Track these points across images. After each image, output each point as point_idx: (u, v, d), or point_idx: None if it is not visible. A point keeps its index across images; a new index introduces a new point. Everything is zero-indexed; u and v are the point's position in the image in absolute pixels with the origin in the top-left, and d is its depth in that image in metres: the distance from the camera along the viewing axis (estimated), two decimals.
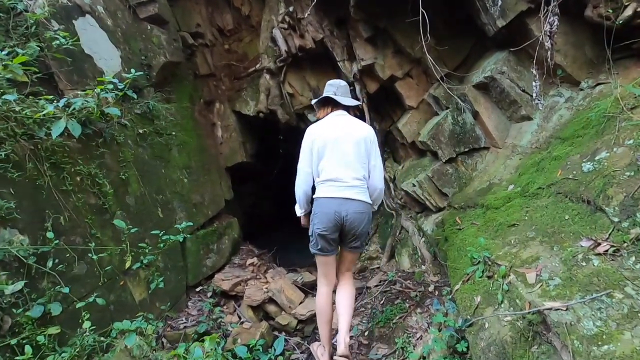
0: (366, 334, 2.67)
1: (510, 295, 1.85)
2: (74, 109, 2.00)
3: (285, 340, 2.69)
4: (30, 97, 2.13)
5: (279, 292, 3.03)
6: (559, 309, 1.51)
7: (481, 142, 3.38)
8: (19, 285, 1.73)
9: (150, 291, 2.51)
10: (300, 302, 3.07)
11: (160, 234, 2.36)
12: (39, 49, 2.16)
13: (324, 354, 2.38)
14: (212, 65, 4.74)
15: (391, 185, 4.26)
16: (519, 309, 1.74)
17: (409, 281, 3.11)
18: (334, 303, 2.50)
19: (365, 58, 3.96)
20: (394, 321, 2.62)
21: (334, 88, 2.48)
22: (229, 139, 4.67)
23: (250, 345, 2.36)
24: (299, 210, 2.55)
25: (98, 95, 2.18)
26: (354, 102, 2.54)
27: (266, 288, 3.13)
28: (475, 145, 3.39)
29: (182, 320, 2.80)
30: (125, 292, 2.47)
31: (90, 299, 1.92)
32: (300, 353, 2.64)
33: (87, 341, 1.77)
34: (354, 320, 2.86)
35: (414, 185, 3.61)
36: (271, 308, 3.04)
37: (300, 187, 2.39)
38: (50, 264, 1.92)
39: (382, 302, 2.98)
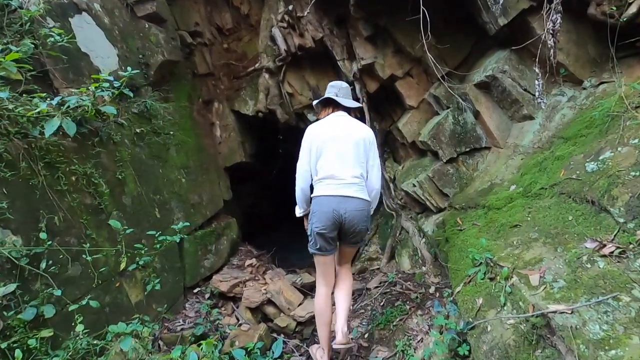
0: (366, 336, 2.63)
1: (513, 298, 1.81)
2: (68, 107, 1.96)
3: (284, 342, 2.65)
4: (24, 95, 2.08)
5: (277, 293, 2.99)
6: (563, 312, 1.48)
7: (482, 142, 3.34)
8: (11, 287, 1.70)
9: (146, 293, 2.47)
10: (300, 304, 3.03)
11: (156, 235, 2.32)
12: (33, 46, 2.12)
13: (323, 357, 2.35)
14: (210, 65, 4.71)
15: (391, 185, 4.22)
16: (522, 311, 1.70)
17: (409, 282, 3.07)
18: (333, 304, 2.48)
19: (365, 57, 3.93)
20: (394, 323, 2.58)
21: (336, 89, 2.48)
22: (228, 138, 4.63)
23: (249, 349, 2.32)
24: (298, 211, 2.54)
25: (94, 94, 2.13)
26: (355, 104, 2.55)
27: (265, 289, 3.09)
28: (477, 145, 3.35)
29: (180, 322, 2.76)
30: (121, 293, 2.43)
31: (84, 302, 1.87)
32: (299, 355, 2.60)
33: (81, 344, 1.73)
34: (354, 322, 2.82)
35: (414, 186, 3.57)
36: (270, 310, 3.00)
37: (299, 186, 2.40)
38: (43, 265, 1.88)
39: (382, 303, 2.94)
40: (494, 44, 3.36)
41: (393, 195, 4.18)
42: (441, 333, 2.12)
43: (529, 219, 2.27)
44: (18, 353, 1.49)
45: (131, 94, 2.56)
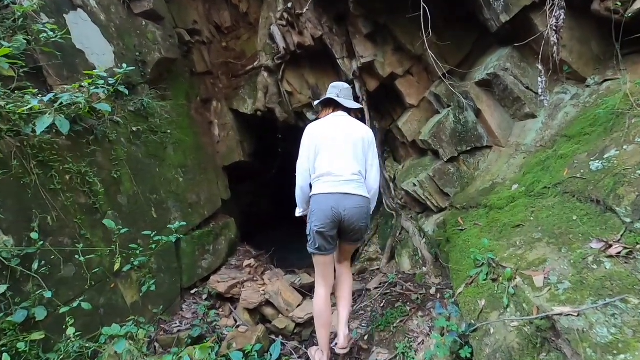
0: (366, 338, 2.58)
1: (516, 299, 1.77)
2: (61, 103, 1.91)
3: (282, 344, 2.60)
4: (16, 92, 2.04)
5: (276, 294, 2.95)
6: (569, 315, 1.43)
7: (483, 141, 3.30)
8: (2, 288, 1.65)
9: (142, 294, 2.42)
10: (298, 305, 2.98)
11: (151, 235, 2.28)
12: (25, 42, 2.07)
13: (323, 359, 2.30)
14: (209, 63, 4.66)
15: (391, 185, 4.18)
16: (526, 313, 1.66)
17: (409, 283, 3.02)
18: (333, 305, 2.45)
19: (365, 55, 3.89)
20: (394, 325, 2.53)
21: (337, 90, 2.48)
22: (227, 137, 4.58)
23: (246, 351, 2.27)
24: (298, 211, 2.51)
25: (89, 90, 2.09)
26: (356, 105, 2.55)
27: (263, 290, 3.05)
28: (478, 144, 3.31)
29: (176, 323, 2.72)
30: (116, 294, 2.38)
31: (75, 304, 1.83)
32: (298, 358, 2.56)
33: (72, 347, 1.68)
34: (354, 323, 2.77)
35: (414, 185, 3.53)
36: (268, 311, 2.96)
37: (298, 185, 2.39)
38: (35, 266, 1.84)
39: (382, 304, 2.90)
40: (495, 41, 3.32)
41: (393, 195, 4.14)
42: (442, 335, 2.07)
43: (532, 218, 2.23)
44: (6, 357, 1.44)
45: (127, 92, 2.51)
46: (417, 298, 2.73)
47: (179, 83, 4.05)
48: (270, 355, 2.38)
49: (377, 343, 2.49)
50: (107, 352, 1.74)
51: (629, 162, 1.83)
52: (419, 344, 2.31)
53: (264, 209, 6.74)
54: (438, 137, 3.35)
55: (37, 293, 1.77)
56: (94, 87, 2.13)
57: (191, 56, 4.48)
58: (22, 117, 2.00)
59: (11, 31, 2.16)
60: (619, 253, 1.55)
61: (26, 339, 1.61)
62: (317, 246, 2.24)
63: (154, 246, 2.26)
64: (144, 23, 3.48)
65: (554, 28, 2.35)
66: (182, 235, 2.72)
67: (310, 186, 2.37)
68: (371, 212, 2.39)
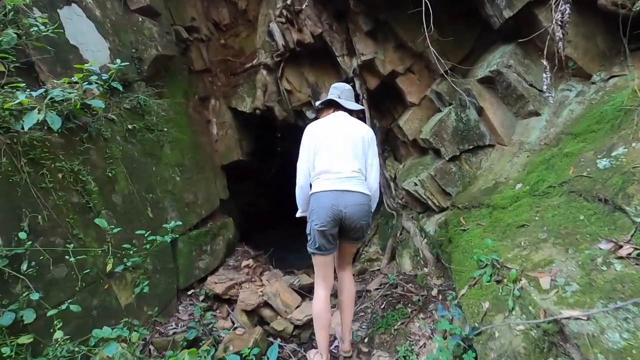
0: (366, 340, 2.52)
1: (522, 302, 1.71)
2: (51, 99, 1.85)
3: (280, 347, 2.54)
4: (5, 87, 1.98)
5: (274, 295, 2.89)
6: (578, 319, 1.38)
7: (486, 140, 3.24)
8: None
9: (134, 295, 2.36)
10: (297, 306, 2.93)
11: (145, 235, 2.21)
12: (16, 36, 2.01)
13: None
14: (207, 61, 4.61)
15: (392, 184, 4.12)
16: (532, 317, 1.60)
17: (410, 284, 2.96)
18: (333, 307, 2.40)
19: (366, 53, 3.83)
20: (395, 327, 2.47)
21: (338, 91, 2.47)
22: (225, 136, 4.52)
23: (243, 354, 2.21)
24: (299, 212, 2.46)
25: (81, 86, 2.03)
26: (357, 106, 2.52)
27: (261, 291, 2.99)
28: (480, 142, 3.25)
29: (172, 325, 2.66)
30: (110, 296, 2.32)
31: (64, 306, 1.76)
32: None
33: (61, 351, 1.62)
34: (353, 325, 2.71)
35: (415, 185, 3.47)
36: (266, 312, 2.90)
37: (298, 185, 2.35)
38: (24, 267, 1.78)
39: (382, 306, 2.84)
40: (498, 38, 3.26)
41: (394, 195, 4.08)
42: (445, 338, 2.01)
43: (536, 218, 2.17)
44: None
45: (120, 87, 2.45)
46: (419, 299, 2.67)
47: (177, 81, 3.99)
48: (268, 358, 2.32)
49: (377, 346, 2.43)
50: (99, 356, 1.68)
51: (638, 160, 1.77)
52: (420, 347, 2.25)
53: (263, 209, 6.69)
54: (439, 135, 3.29)
55: (24, 295, 1.71)
56: (86, 82, 2.06)
57: (189, 54, 4.43)
58: (12, 113, 1.94)
59: (1, 25, 2.10)
60: (630, 254, 1.49)
61: (13, 343, 1.55)
62: (317, 246, 2.19)
63: (148, 246, 2.20)
64: (140, 19, 3.42)
65: (560, 23, 2.29)
66: (176, 235, 2.64)
67: (310, 186, 2.32)
68: (372, 212, 2.33)
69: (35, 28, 2.08)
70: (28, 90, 1.88)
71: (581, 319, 1.36)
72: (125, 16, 3.30)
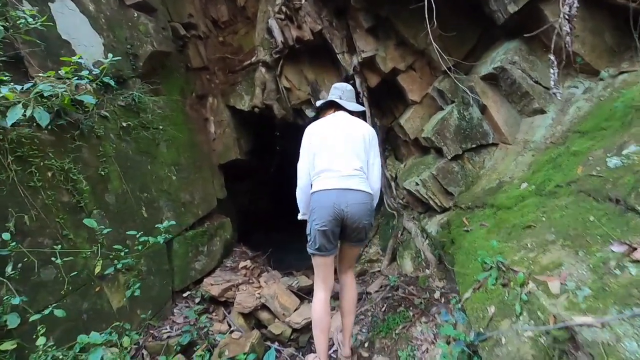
0: (366, 345, 2.44)
1: (530, 307, 1.63)
2: (38, 93, 1.77)
3: (278, 351, 2.47)
4: None
5: (272, 298, 2.81)
6: (592, 326, 1.30)
7: (489, 138, 3.16)
8: None
9: (125, 298, 2.28)
10: (296, 309, 2.85)
11: (137, 235, 2.14)
12: (2, 29, 1.93)
13: None
14: (205, 58, 4.53)
15: (392, 184, 4.05)
16: (541, 323, 1.52)
17: (412, 287, 2.88)
18: (333, 309, 2.33)
19: (366, 50, 3.76)
20: (396, 331, 2.40)
21: (340, 92, 2.44)
22: (223, 135, 4.45)
23: None
24: (300, 215, 2.39)
25: (72, 81, 1.95)
26: (359, 108, 2.47)
27: (259, 294, 2.91)
28: (483, 141, 3.17)
29: (166, 329, 2.58)
30: (102, 299, 2.24)
31: (47, 311, 1.68)
32: None
33: (45, 358, 1.54)
34: (353, 329, 2.63)
35: (417, 184, 3.40)
36: (264, 315, 2.82)
37: (299, 186, 2.29)
38: (9, 269, 1.70)
39: (383, 309, 2.76)
40: (502, 34, 3.18)
41: (394, 195, 4.00)
42: (449, 344, 1.94)
43: (543, 219, 2.09)
44: None
45: (113, 83, 2.37)
46: (421, 302, 2.59)
47: (174, 78, 3.91)
48: None
49: (378, 351, 2.35)
50: None
51: None
52: (423, 352, 2.17)
53: (262, 208, 6.61)
54: (442, 134, 3.22)
55: (5, 298, 1.63)
56: (76, 77, 1.98)
57: (186, 51, 4.35)
58: None
59: None
60: None
61: None
62: (317, 246, 2.12)
63: (140, 247, 2.12)
64: (135, 15, 3.35)
65: (567, 17, 2.21)
66: (169, 236, 2.54)
67: (311, 186, 2.26)
68: (374, 212, 2.26)
69: (23, 20, 2.00)
70: (12, 83, 1.80)
71: (595, 326, 1.28)
72: (121, 11, 3.22)
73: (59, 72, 1.98)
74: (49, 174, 2.13)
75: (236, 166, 4.60)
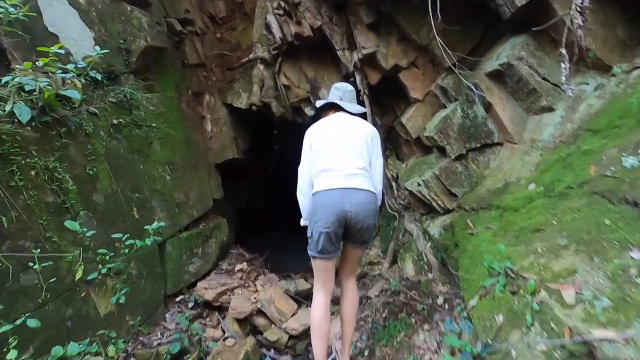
0: (366, 353, 2.33)
1: (542, 317, 1.52)
2: (14, 86, 1.66)
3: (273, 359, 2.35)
4: None
5: (268, 303, 2.70)
6: (614, 341, 1.19)
7: (494, 137, 3.05)
8: None
9: (109, 306, 2.17)
10: (293, 314, 2.74)
11: (123, 238, 2.02)
12: None
13: None
14: (202, 55, 4.42)
15: (394, 184, 3.94)
16: (555, 335, 1.41)
17: (414, 291, 2.77)
18: (332, 315, 2.22)
19: (367, 46, 3.66)
20: (398, 339, 2.28)
21: (340, 92, 2.38)
22: (219, 133, 4.34)
23: None
24: (303, 220, 2.26)
25: (56, 74, 1.83)
26: (359, 109, 2.39)
27: (255, 298, 2.80)
28: (488, 140, 3.06)
29: (157, 335, 2.47)
30: (88, 304, 2.13)
31: (19, 321, 1.57)
32: None
33: None
34: (353, 336, 2.52)
35: (419, 185, 3.28)
36: (259, 321, 2.71)
37: (299, 189, 2.20)
38: None
39: (384, 315, 2.65)
40: (508, 29, 3.07)
41: (396, 195, 3.89)
42: (453, 354, 1.82)
43: (554, 222, 1.97)
44: None
45: (99, 77, 2.26)
46: (423, 308, 2.47)
47: (169, 74, 3.80)
48: None
49: (378, 359, 2.24)
50: None
51: None
52: None
53: (260, 208, 6.51)
54: (445, 133, 3.11)
55: None
56: (60, 71, 1.87)
57: (183, 47, 4.25)
58: None
59: None
60: None
61: None
62: (319, 249, 2.02)
63: (127, 250, 2.00)
64: (129, 9, 3.24)
65: (579, 9, 2.10)
66: (159, 238, 2.40)
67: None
68: (378, 212, 2.16)
69: (3, 10, 1.89)
70: None
71: (617, 342, 1.17)
72: (113, 5, 3.11)
73: (37, 63, 1.86)
74: (32, 173, 2.02)
75: (233, 165, 4.49)
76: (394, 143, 4.25)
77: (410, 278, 3.14)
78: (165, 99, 3.51)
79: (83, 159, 2.40)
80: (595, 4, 2.41)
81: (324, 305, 2.08)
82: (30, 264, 1.68)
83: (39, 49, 1.93)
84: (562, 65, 2.09)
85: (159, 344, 2.35)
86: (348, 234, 2.09)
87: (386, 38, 3.62)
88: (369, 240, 2.23)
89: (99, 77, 2.25)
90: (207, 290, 2.87)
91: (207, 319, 2.77)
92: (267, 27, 4.08)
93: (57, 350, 1.52)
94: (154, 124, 3.19)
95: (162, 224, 2.15)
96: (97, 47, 2.30)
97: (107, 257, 1.90)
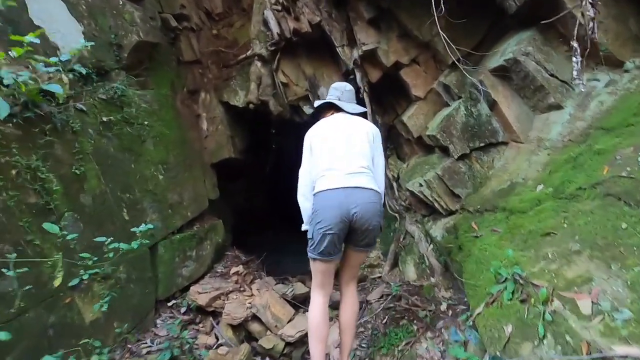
0: None
1: (555, 329, 1.41)
2: None
3: None
4: None
5: (264, 308, 2.59)
6: (638, 359, 1.08)
7: (499, 136, 2.94)
8: None
9: (92, 314, 2.05)
10: (290, 320, 2.64)
11: (106, 242, 1.90)
12: None
13: None
14: (198, 52, 4.32)
15: (394, 185, 3.83)
16: (570, 349, 1.30)
17: (416, 297, 2.66)
18: (330, 320, 2.11)
19: (367, 42, 3.55)
20: (399, 348, 2.18)
21: (338, 92, 2.32)
22: (215, 132, 4.23)
23: None
24: (305, 225, 2.16)
25: (33, 66, 1.72)
26: (359, 109, 2.32)
27: (250, 303, 2.70)
28: (492, 139, 2.95)
29: (147, 342, 2.36)
30: (72, 311, 2.02)
31: None
32: None
33: None
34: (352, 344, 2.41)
35: (421, 185, 3.17)
36: (255, 327, 2.60)
37: (300, 192, 2.10)
38: None
39: (384, 321, 2.54)
40: (513, 24, 2.96)
41: (396, 196, 3.79)
42: None
43: (565, 225, 1.86)
44: None
45: (83, 70, 2.15)
46: (426, 315, 2.36)
47: (163, 71, 3.69)
48: None
49: None
50: None
51: None
52: None
53: (258, 207, 6.39)
54: (447, 132, 3.00)
55: None
56: (42, 64, 1.76)
57: (178, 43, 4.14)
58: None
59: None
60: None
61: None
62: (321, 251, 1.92)
63: (111, 254, 1.90)
64: (120, 2, 3.13)
65: (591, 1, 1.99)
66: (146, 241, 2.25)
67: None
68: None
69: None
70: None
71: None
72: None
73: (10, 53, 1.75)
74: (13, 172, 1.91)
75: (230, 165, 4.38)
76: (394, 142, 4.14)
77: (411, 282, 3.03)
78: (159, 96, 3.40)
79: (70, 158, 2.29)
80: None
81: (323, 307, 1.99)
82: (5, 270, 1.57)
83: (11, 37, 1.82)
84: (574, 59, 1.99)
85: (148, 352, 2.24)
86: (352, 236, 1.99)
87: (387, 34, 3.52)
88: (373, 244, 2.14)
89: (83, 70, 2.14)
90: (200, 294, 2.76)
91: (200, 325, 2.66)
92: (265, 23, 3.97)
93: None
94: (146, 122, 3.08)
95: (151, 226, 2.04)
96: (82, 40, 2.18)
97: (90, 262, 1.79)
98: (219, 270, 3.34)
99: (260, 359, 2.36)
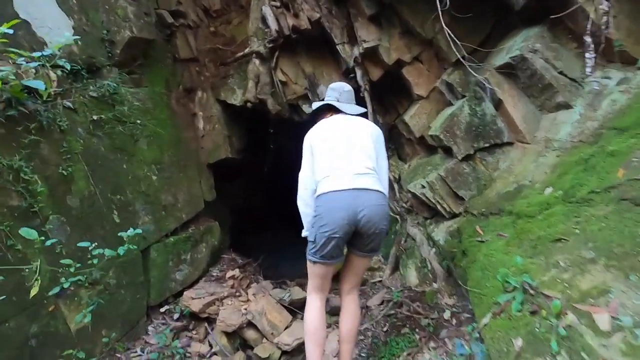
0: None
1: (571, 345, 1.30)
2: None
3: None
4: None
5: (260, 314, 2.50)
6: None
7: (504, 137, 2.84)
8: None
9: (76, 323, 1.95)
10: (286, 327, 2.54)
11: (90, 248, 1.80)
12: None
13: None
14: (194, 49, 4.21)
15: (396, 186, 3.73)
16: None
17: (417, 303, 2.56)
18: (329, 327, 2.01)
19: (368, 40, 3.46)
20: (400, 358, 2.07)
21: (337, 93, 2.25)
22: (212, 131, 4.12)
23: None
24: (305, 231, 2.06)
25: (13, 60, 1.62)
26: (358, 110, 2.25)
27: (245, 309, 2.60)
28: (497, 140, 2.85)
29: (137, 351, 2.26)
30: (56, 319, 1.92)
31: None
32: None
33: None
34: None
35: (423, 187, 3.08)
36: (250, 334, 2.50)
37: (300, 197, 2.01)
38: None
39: (385, 329, 2.44)
40: (519, 21, 2.87)
41: (398, 198, 3.69)
42: None
43: (577, 231, 1.76)
44: None
45: (68, 66, 2.04)
46: (428, 324, 2.26)
47: (158, 69, 3.59)
48: None
49: None
50: None
51: None
52: None
53: (256, 206, 6.29)
54: (451, 131, 2.90)
55: None
56: (22, 58, 1.66)
57: (174, 40, 4.04)
58: None
59: None
60: None
61: None
62: (323, 254, 1.83)
63: (96, 261, 1.79)
64: None
65: None
66: (133, 246, 2.13)
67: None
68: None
69: None
70: None
71: None
72: None
73: None
74: None
75: (227, 165, 4.28)
76: (396, 143, 4.05)
77: (413, 287, 2.93)
78: (153, 94, 3.30)
79: (57, 158, 2.19)
80: None
81: (320, 311, 1.91)
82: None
83: None
84: (587, 55, 1.89)
85: None
86: (356, 240, 1.90)
87: (388, 31, 3.42)
88: (377, 249, 2.04)
89: (67, 66, 2.03)
90: (193, 300, 2.66)
91: (194, 332, 2.56)
92: (263, 20, 3.87)
93: None
94: (139, 121, 2.97)
95: (139, 231, 1.93)
96: (67, 34, 2.08)
97: (73, 269, 1.69)
98: (215, 274, 3.24)
99: None
